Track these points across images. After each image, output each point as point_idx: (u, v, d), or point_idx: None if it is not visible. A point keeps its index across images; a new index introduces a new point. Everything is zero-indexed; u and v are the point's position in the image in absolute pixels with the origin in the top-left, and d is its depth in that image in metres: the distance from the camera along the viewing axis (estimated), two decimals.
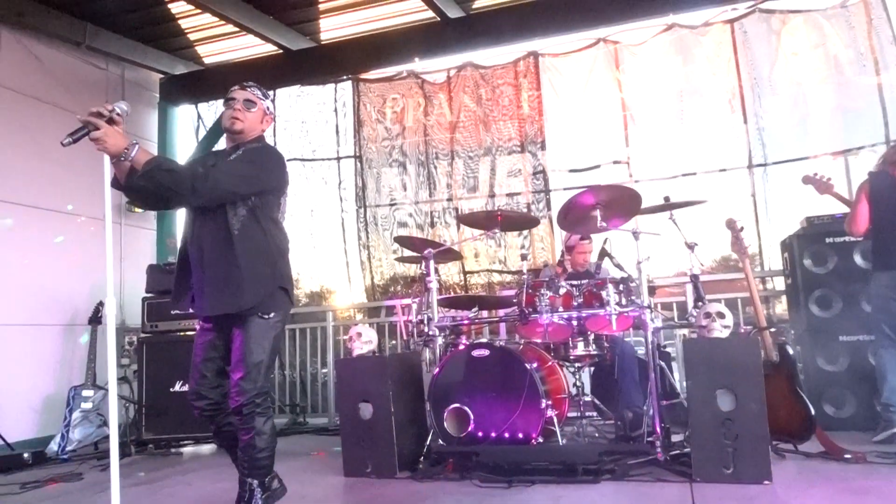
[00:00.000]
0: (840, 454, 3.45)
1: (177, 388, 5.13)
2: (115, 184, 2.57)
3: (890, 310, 3.84)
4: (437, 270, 4.36)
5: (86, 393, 5.14)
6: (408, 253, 4.93)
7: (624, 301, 3.81)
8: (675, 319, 5.30)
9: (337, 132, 7.17)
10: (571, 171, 6.51)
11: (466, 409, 3.63)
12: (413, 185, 6.91)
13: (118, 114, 2.45)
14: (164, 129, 7.40)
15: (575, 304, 3.91)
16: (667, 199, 4.13)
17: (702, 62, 6.20)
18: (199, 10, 6.04)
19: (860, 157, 5.56)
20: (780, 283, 5.39)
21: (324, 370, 6.46)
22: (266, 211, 2.71)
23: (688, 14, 6.15)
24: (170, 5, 6.13)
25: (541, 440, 3.56)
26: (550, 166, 6.57)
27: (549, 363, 4.05)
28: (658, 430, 3.44)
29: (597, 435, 4.16)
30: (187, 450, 5.17)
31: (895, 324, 3.83)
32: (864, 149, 5.53)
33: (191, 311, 2.82)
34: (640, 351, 4.38)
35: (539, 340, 4.15)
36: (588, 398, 4.22)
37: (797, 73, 5.91)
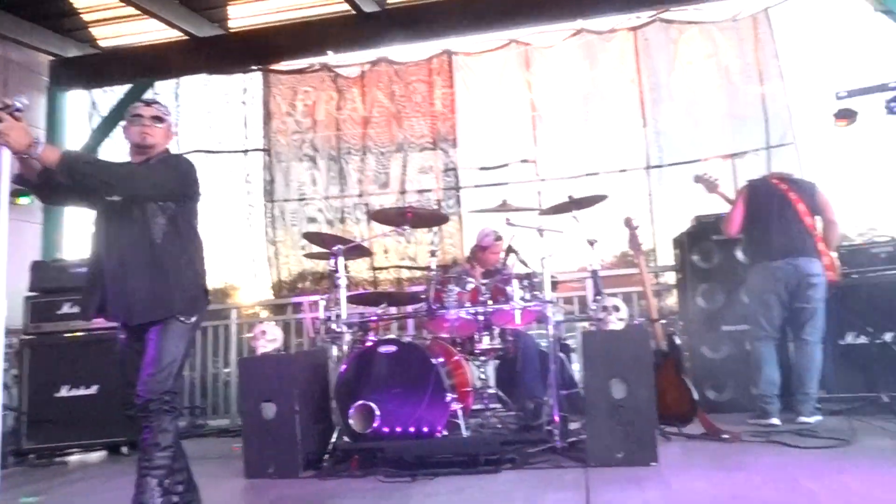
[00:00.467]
0: (718, 434, 3.73)
1: (63, 393, 4.78)
2: (18, 180, 2.52)
3: (765, 301, 4.16)
4: (346, 267, 4.36)
5: None
6: (317, 249, 4.88)
7: (528, 296, 3.95)
8: (576, 313, 5.52)
9: (245, 124, 6.99)
10: (482, 168, 6.64)
11: (372, 405, 3.65)
12: (323, 180, 6.84)
13: (19, 108, 2.37)
14: (54, 116, 6.99)
15: (482, 299, 4.01)
16: (570, 197, 4.29)
17: (607, 67, 6.46)
18: None
19: (746, 161, 5.98)
20: (672, 278, 5.72)
21: (226, 370, 6.28)
22: (186, 217, 2.74)
23: (595, 20, 6.39)
24: None
25: (446, 433, 3.63)
26: (461, 164, 6.68)
27: (456, 357, 4.13)
28: (556, 418, 3.59)
29: (500, 426, 4.28)
30: (73, 458, 4.83)
31: (770, 315, 4.15)
32: (748, 153, 5.96)
33: (103, 319, 2.76)
34: (544, 344, 4.55)
35: (446, 335, 4.23)
36: (493, 391, 4.35)
37: (692, 81, 6.27)
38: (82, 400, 4.77)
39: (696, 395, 3.83)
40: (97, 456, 4.88)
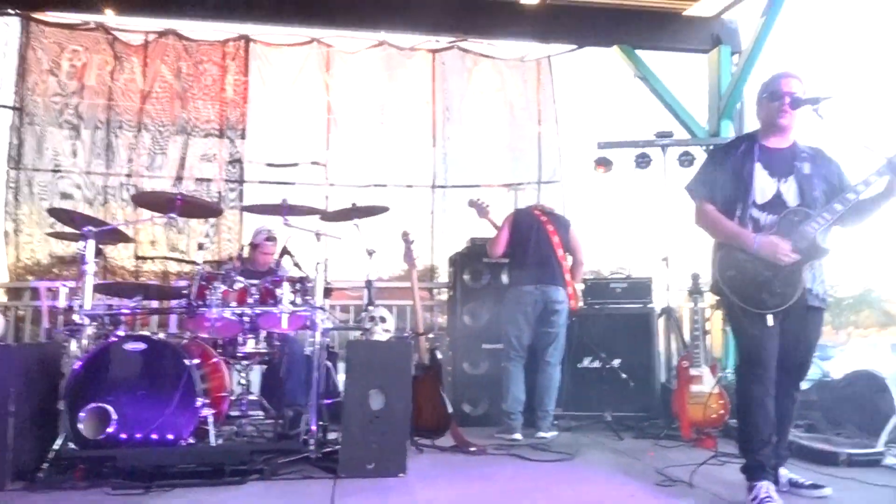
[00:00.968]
0: (467, 447, 3.95)
1: None
2: None
3: (516, 323, 4.51)
4: (102, 252, 3.90)
5: None
6: (66, 229, 4.30)
7: (299, 301, 3.85)
8: (353, 321, 5.53)
9: None
10: (269, 164, 6.40)
11: (108, 407, 3.29)
12: (86, 152, 6.09)
13: None
14: None
15: (250, 300, 3.83)
16: (354, 205, 4.28)
17: (405, 83, 6.62)
18: None
19: (527, 192, 6.48)
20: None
21: None
22: None
23: (398, 36, 6.52)
24: None
25: (192, 441, 3.40)
26: (248, 157, 6.37)
27: (214, 360, 3.89)
28: (314, 428, 3.54)
29: (255, 434, 4.12)
30: None
31: (520, 336, 4.51)
32: (524, 185, 6.47)
33: None
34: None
35: (207, 336, 3.97)
36: (254, 397, 4.17)
37: (481, 110, 6.67)
38: None
39: (450, 409, 4.01)
40: None
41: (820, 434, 3.99)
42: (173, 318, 5.00)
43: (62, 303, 3.95)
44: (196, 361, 3.59)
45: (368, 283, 4.29)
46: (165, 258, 6.07)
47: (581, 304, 4.75)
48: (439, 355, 4.16)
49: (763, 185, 2.93)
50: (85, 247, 3.72)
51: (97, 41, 6.21)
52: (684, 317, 5.47)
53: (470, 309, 5.09)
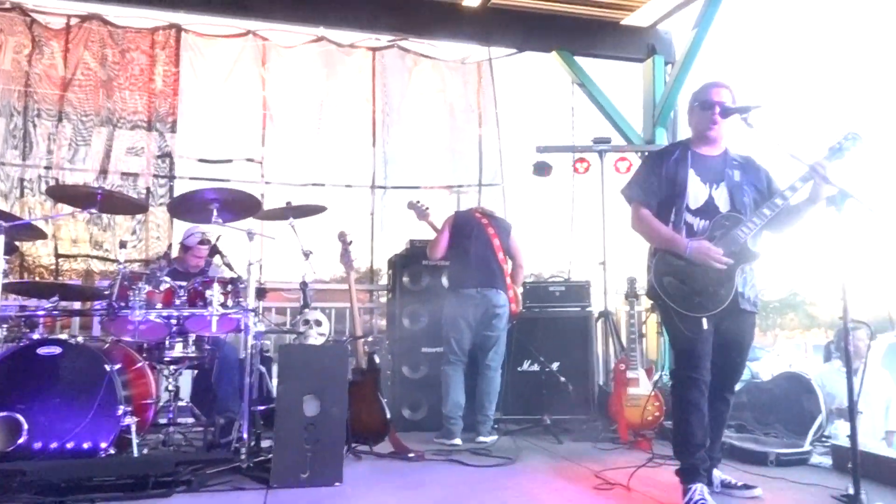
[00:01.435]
0: (406, 453, 3.87)
1: None
2: None
3: (457, 326, 4.46)
4: (17, 249, 3.61)
5: None
6: None
7: (230, 303, 3.69)
8: (288, 324, 5.36)
9: None
10: (201, 160, 6.13)
11: (19, 417, 3.05)
12: (0, 142, 5.68)
13: None
14: None
15: (178, 302, 3.64)
16: (289, 203, 4.14)
17: (345, 80, 6.48)
18: None
19: (468, 195, 6.44)
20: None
21: None
22: None
23: (337, 32, 6.37)
24: None
25: (112, 452, 3.19)
26: (179, 151, 6.09)
27: (138, 365, 3.68)
28: (246, 436, 3.38)
29: (183, 443, 3.92)
30: None
31: (460, 339, 4.46)
32: (464, 187, 6.44)
33: None
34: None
35: (131, 339, 3.75)
36: (183, 403, 3.97)
37: (422, 111, 6.60)
38: None
39: (389, 414, 3.93)
40: None
41: (750, 434, 4.10)
42: (96, 320, 4.72)
43: None
44: (118, 366, 3.39)
45: (304, 285, 4.16)
46: (88, 256, 5.73)
47: (521, 307, 4.73)
48: (377, 359, 4.07)
49: (696, 190, 2.99)
50: None
51: (13, 22, 5.80)
52: (621, 320, 5.56)
53: (409, 312, 5.01)
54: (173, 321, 3.69)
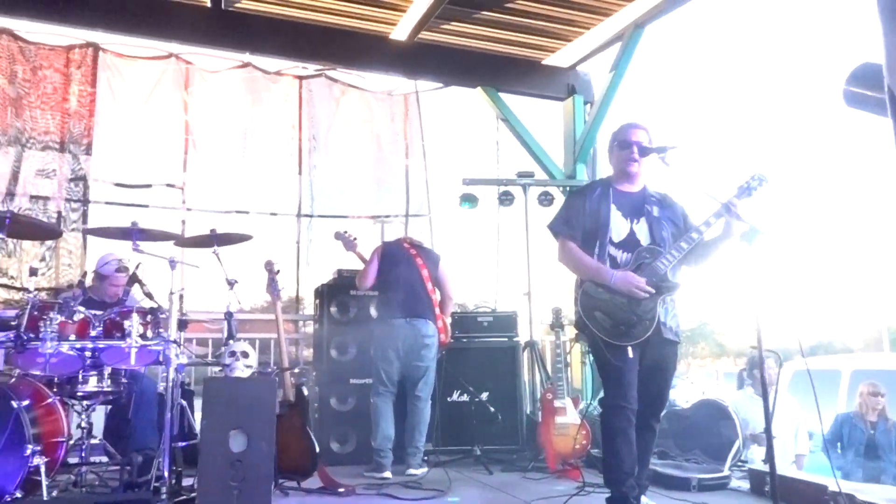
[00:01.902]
0: (336, 488, 3.78)
1: None
2: None
3: (386, 357, 4.44)
4: None
5: None
6: None
7: (150, 334, 3.54)
8: (211, 356, 5.18)
9: None
10: (118, 185, 5.88)
11: None
12: None
13: None
14: None
15: (93, 333, 3.45)
16: (213, 231, 4.03)
17: (270, 107, 6.41)
18: None
19: (394, 225, 6.45)
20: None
21: None
22: None
23: (263, 59, 6.32)
24: None
25: (19, 495, 2.97)
26: (94, 175, 5.81)
27: (49, 401, 3.44)
28: (166, 474, 3.23)
29: (98, 483, 3.68)
30: None
31: (389, 370, 4.44)
32: (391, 217, 6.47)
33: None
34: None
35: (40, 373, 3.51)
36: (97, 441, 3.73)
37: (348, 141, 6.60)
38: None
39: (317, 448, 3.84)
40: None
41: (672, 460, 4.26)
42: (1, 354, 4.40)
43: None
44: (26, 403, 3.17)
45: (229, 315, 4.03)
46: None
47: (450, 338, 4.77)
48: (305, 391, 3.99)
49: (618, 225, 3.16)
50: None
51: None
52: (546, 350, 5.69)
53: (337, 343, 4.95)
54: (87, 353, 3.49)
